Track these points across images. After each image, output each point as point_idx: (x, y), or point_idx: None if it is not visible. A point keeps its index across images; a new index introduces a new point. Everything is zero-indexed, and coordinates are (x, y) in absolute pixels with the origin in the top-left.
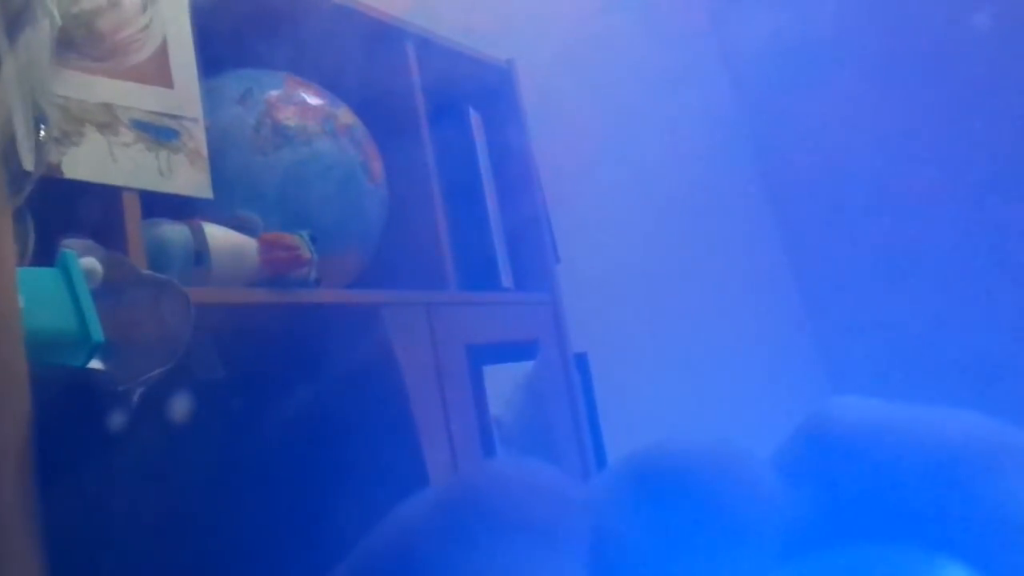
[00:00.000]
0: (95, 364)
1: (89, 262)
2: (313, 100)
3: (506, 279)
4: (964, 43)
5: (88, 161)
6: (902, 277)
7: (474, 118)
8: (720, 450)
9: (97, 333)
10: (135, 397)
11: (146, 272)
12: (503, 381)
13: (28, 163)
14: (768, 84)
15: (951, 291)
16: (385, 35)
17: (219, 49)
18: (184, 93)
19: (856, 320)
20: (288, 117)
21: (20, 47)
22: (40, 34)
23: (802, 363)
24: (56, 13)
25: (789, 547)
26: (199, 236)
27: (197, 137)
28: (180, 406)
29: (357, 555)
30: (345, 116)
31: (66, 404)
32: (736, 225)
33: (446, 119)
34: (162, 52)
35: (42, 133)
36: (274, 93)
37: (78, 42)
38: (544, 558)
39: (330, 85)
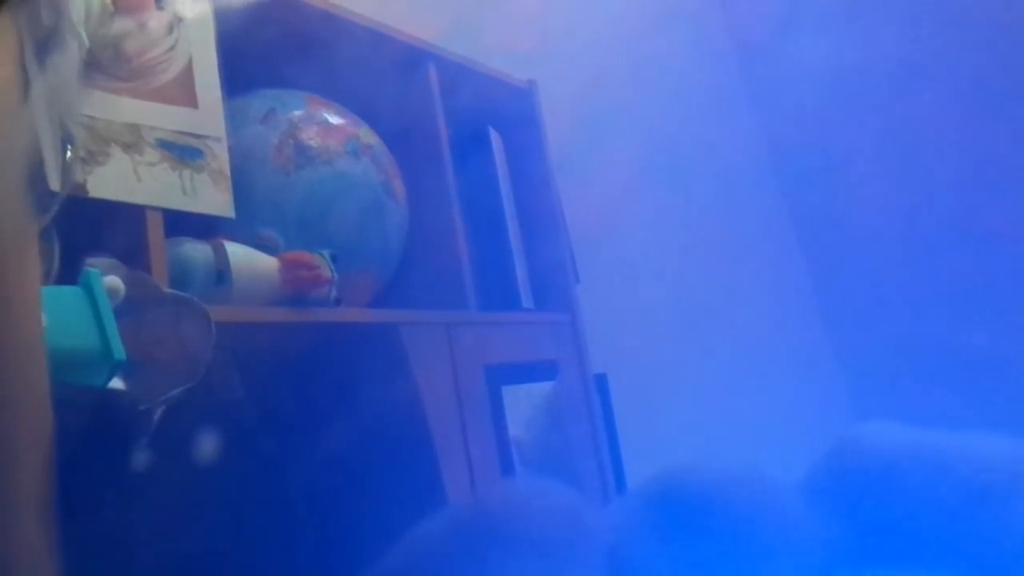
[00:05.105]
0: (117, 383)
1: (112, 280)
2: (335, 120)
3: (526, 299)
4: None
5: (113, 180)
6: (924, 299)
7: (495, 138)
8: (742, 475)
9: (119, 351)
10: (156, 415)
11: (168, 291)
12: (522, 401)
13: (55, 183)
14: (794, 111)
15: (972, 311)
16: (407, 56)
17: (243, 70)
18: (208, 113)
19: (878, 341)
20: (310, 137)
21: (49, 70)
22: (69, 57)
23: (823, 385)
24: (84, 36)
25: (816, 571)
26: (220, 255)
27: (220, 156)
28: (201, 424)
29: (374, 574)
30: (367, 136)
31: (88, 422)
32: (757, 245)
33: (467, 139)
34: (187, 73)
35: (68, 153)
36: (297, 113)
37: (105, 63)
38: None
39: (352, 106)
